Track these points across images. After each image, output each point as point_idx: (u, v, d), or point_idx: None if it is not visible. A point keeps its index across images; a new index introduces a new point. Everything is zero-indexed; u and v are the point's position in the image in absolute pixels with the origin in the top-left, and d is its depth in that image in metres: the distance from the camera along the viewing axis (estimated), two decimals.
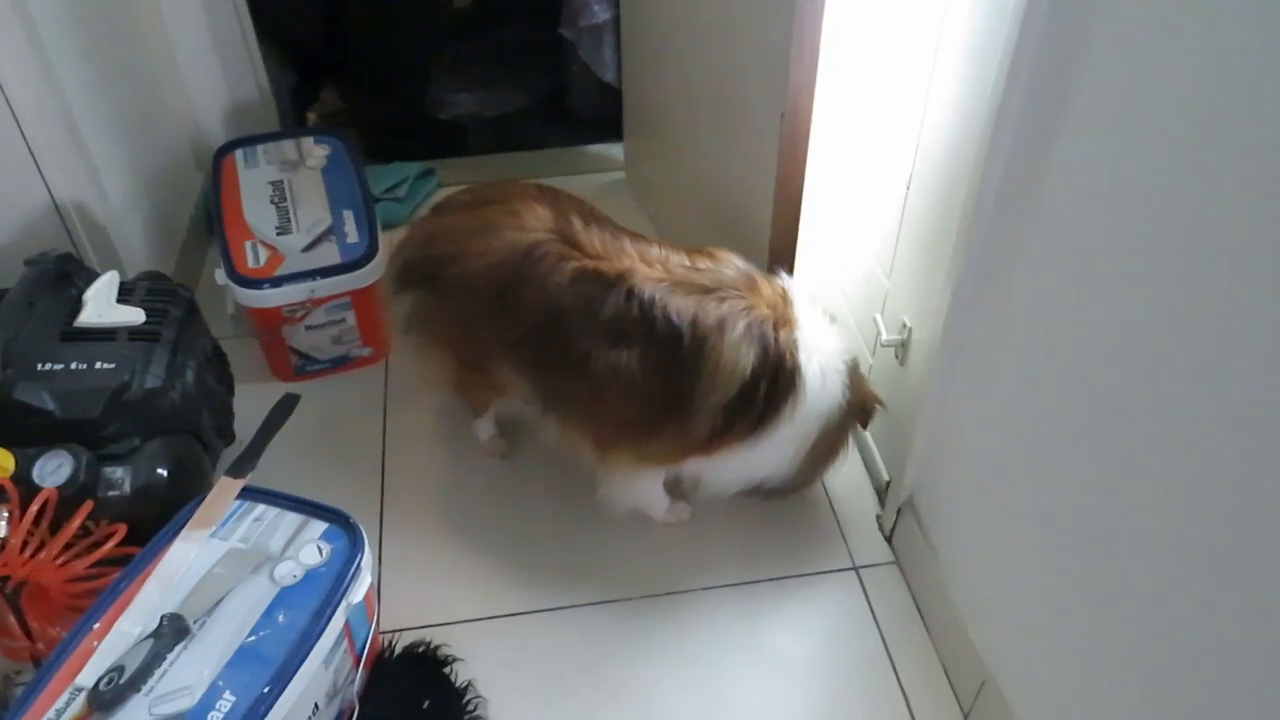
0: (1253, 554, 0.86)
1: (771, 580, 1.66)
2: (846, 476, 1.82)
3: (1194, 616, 0.95)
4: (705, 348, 1.42)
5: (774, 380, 1.45)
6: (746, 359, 1.43)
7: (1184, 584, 0.96)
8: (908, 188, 1.51)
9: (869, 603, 1.62)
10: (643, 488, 1.66)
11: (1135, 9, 0.95)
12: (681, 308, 1.42)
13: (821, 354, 1.49)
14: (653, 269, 1.46)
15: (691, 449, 1.53)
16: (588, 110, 2.85)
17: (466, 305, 1.54)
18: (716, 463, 1.55)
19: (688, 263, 1.49)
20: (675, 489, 1.73)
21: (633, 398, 1.49)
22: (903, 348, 1.59)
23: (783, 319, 1.46)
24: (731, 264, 1.51)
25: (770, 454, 1.53)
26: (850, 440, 1.65)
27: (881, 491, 1.75)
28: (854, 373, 1.56)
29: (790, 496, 1.73)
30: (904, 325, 1.57)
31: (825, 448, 1.59)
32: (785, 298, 1.50)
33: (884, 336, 1.61)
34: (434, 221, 1.64)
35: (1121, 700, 1.08)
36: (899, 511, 1.65)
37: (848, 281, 1.87)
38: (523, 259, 1.47)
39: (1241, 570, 0.88)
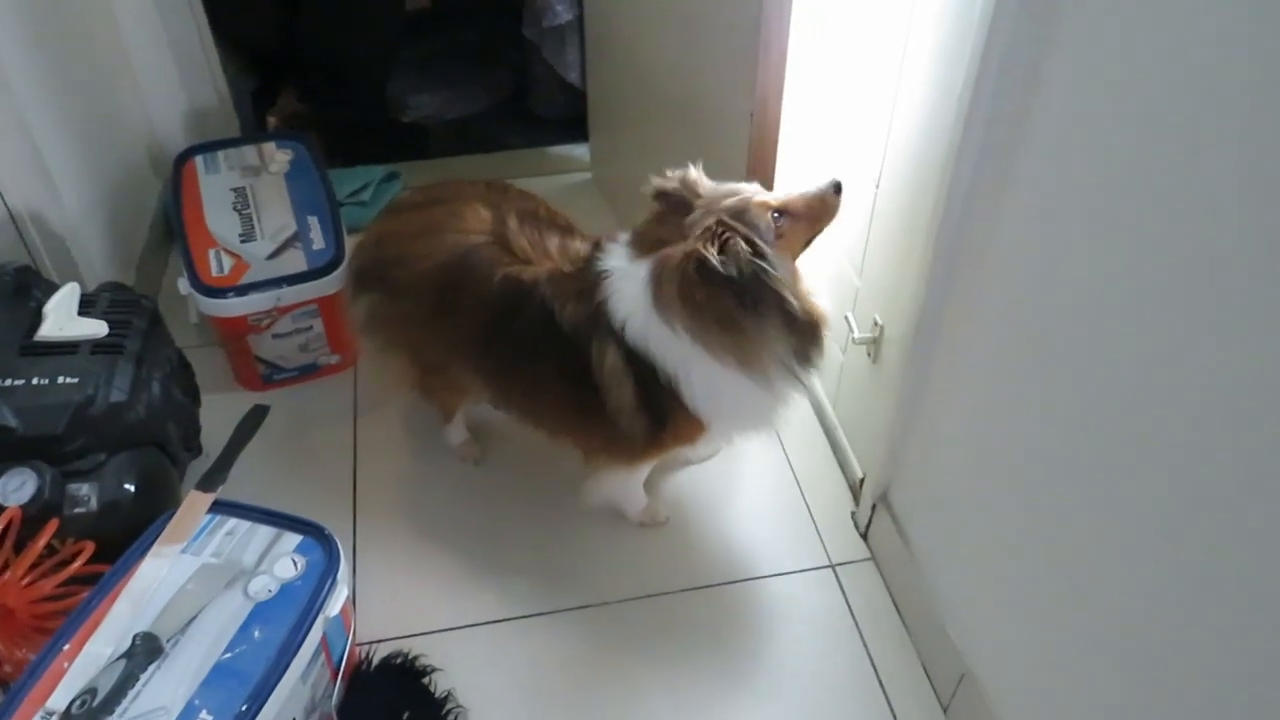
0: (1228, 544, 0.88)
1: (748, 580, 1.66)
2: (820, 474, 1.83)
3: (1170, 607, 0.96)
4: (588, 357, 1.37)
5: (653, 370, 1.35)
6: (614, 358, 1.36)
7: (1160, 575, 0.97)
8: (877, 187, 1.52)
9: (846, 600, 1.63)
10: (617, 484, 1.66)
11: (1101, 10, 0.96)
12: (566, 312, 1.38)
13: (627, 299, 1.34)
14: (560, 269, 1.41)
15: (645, 453, 1.51)
16: (551, 111, 2.85)
17: (413, 307, 1.53)
18: (708, 438, 1.50)
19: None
20: (652, 488, 1.73)
21: (562, 406, 1.48)
22: (874, 345, 1.60)
23: (600, 307, 1.36)
24: (600, 254, 1.41)
25: (742, 402, 1.42)
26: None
27: (856, 488, 1.76)
28: (659, 275, 1.32)
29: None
30: (875, 323, 1.58)
31: (732, 333, 1.31)
32: (598, 277, 1.37)
33: (856, 334, 1.62)
34: (384, 223, 1.66)
35: (1099, 690, 1.10)
36: (874, 508, 1.66)
37: (818, 280, 1.87)
38: (460, 264, 1.46)
39: (1216, 561, 0.89)
